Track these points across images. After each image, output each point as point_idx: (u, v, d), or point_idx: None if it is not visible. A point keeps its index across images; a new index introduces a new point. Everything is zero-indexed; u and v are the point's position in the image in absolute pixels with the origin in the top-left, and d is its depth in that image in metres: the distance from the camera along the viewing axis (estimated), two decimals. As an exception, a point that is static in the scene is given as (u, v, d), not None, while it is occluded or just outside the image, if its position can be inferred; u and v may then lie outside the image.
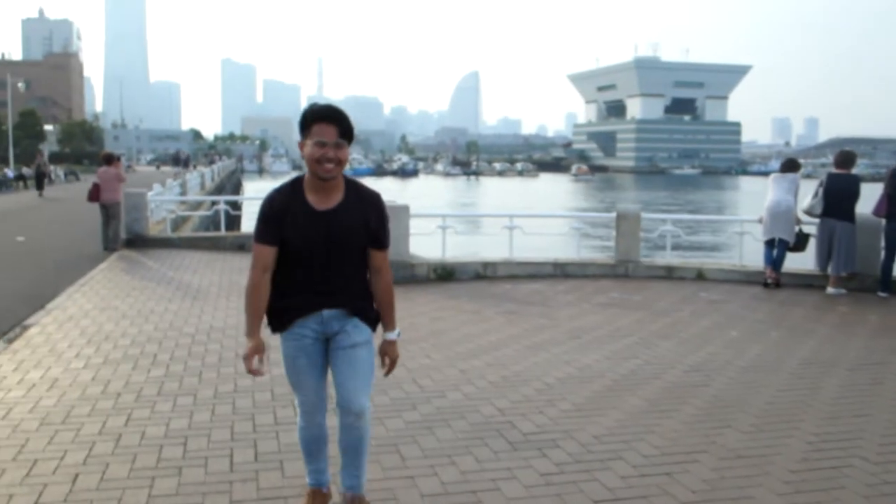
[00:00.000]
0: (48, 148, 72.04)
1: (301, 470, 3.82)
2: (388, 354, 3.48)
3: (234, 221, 19.80)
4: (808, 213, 10.33)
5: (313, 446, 3.58)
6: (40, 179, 33.94)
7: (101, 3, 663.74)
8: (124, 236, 14.52)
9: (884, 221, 9.98)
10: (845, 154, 10.54)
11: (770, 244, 10.56)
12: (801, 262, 10.99)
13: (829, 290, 10.03)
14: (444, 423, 4.96)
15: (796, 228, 10.46)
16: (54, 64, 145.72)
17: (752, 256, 11.72)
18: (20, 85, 63.71)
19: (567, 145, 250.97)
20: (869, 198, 10.24)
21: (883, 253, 10.02)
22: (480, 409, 5.24)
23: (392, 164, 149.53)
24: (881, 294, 9.83)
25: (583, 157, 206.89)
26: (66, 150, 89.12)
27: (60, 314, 8.34)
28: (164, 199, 18.54)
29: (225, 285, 10.30)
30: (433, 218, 12.99)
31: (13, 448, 4.46)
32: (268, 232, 3.25)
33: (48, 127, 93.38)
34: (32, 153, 43.08)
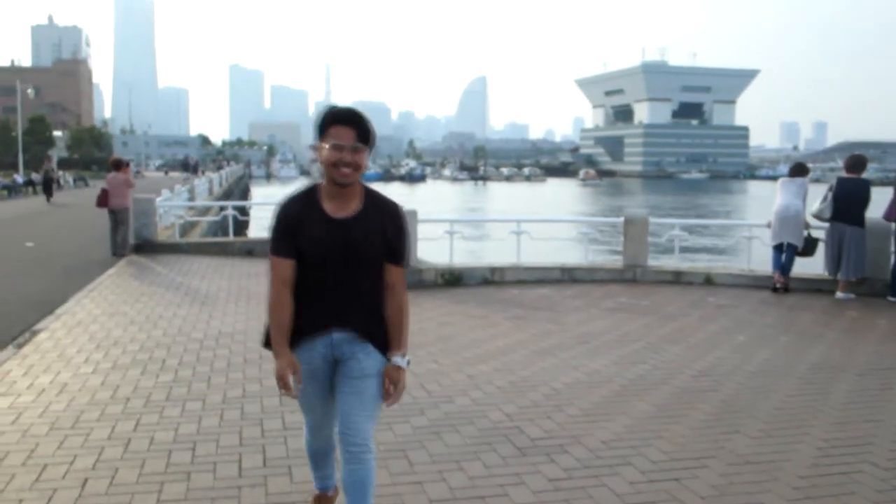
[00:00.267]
0: (57, 154, 72.46)
1: (309, 475, 3.82)
2: (395, 382, 3.15)
3: (242, 227, 19.87)
4: (818, 217, 10.29)
5: (320, 457, 3.52)
6: (48, 185, 33.78)
7: (109, 9, 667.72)
8: (133, 242, 14.58)
9: (894, 226, 9.94)
10: (856, 158, 10.49)
11: (778, 249, 10.53)
12: (810, 266, 10.96)
13: (839, 294, 9.99)
14: (452, 428, 4.95)
15: (805, 233, 10.43)
16: (63, 70, 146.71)
17: (761, 261, 11.69)
18: (29, 91, 64.02)
19: (575, 150, 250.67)
20: (879, 202, 10.20)
21: (893, 257, 9.98)
22: (488, 415, 5.23)
23: (400, 169, 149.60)
24: (891, 299, 9.78)
25: (590, 161, 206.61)
26: (75, 156, 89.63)
27: (69, 319, 8.38)
28: (173, 205, 18.60)
29: (233, 290, 10.32)
30: (441, 223, 13.00)
31: (23, 453, 4.48)
32: (283, 243, 3.07)
33: (57, 133, 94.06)
34: (42, 159, 43.28)
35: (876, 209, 10.18)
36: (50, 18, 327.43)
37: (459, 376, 6.16)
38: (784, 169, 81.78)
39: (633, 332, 7.92)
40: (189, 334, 7.67)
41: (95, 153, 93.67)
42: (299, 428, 4.47)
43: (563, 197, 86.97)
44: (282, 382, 3.10)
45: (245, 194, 59.58)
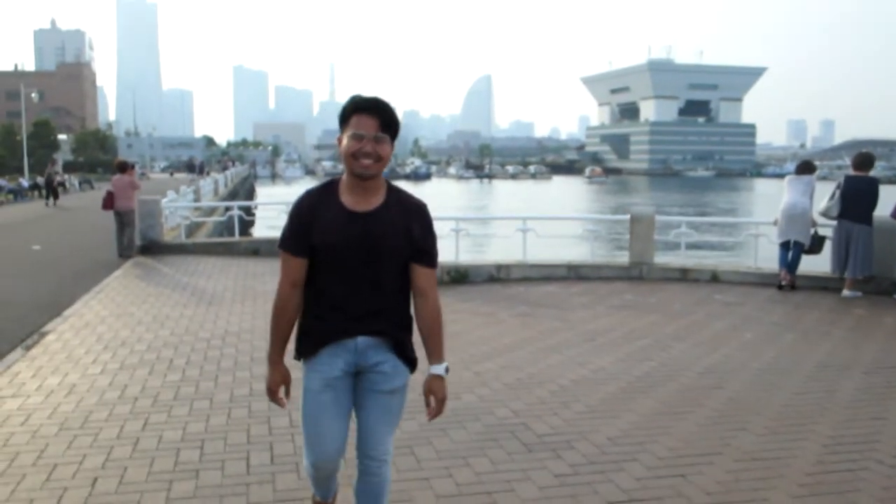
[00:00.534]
0: (62, 157, 72.60)
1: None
2: (435, 393, 2.94)
3: (247, 227, 19.92)
4: (825, 215, 10.25)
5: (323, 481, 3.18)
6: (50, 188, 33.27)
7: (112, 12, 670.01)
8: (139, 243, 14.64)
9: (901, 223, 9.90)
10: (863, 156, 10.46)
11: (785, 246, 10.51)
12: (817, 264, 10.93)
13: (845, 292, 9.96)
14: (458, 424, 4.97)
15: (811, 231, 10.41)
16: (67, 74, 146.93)
17: (767, 259, 11.67)
18: (34, 95, 64.30)
19: (580, 148, 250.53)
20: (886, 200, 10.17)
21: (899, 255, 9.94)
22: (495, 411, 5.25)
23: (405, 167, 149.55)
24: (897, 296, 9.76)
25: (596, 159, 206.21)
26: (79, 159, 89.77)
27: (77, 321, 8.42)
28: (178, 206, 18.66)
29: (239, 290, 10.36)
30: (446, 221, 13.01)
31: (33, 453, 4.51)
32: (293, 238, 2.85)
33: (62, 136, 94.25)
34: (47, 163, 43.31)
35: (883, 207, 10.14)
36: (53, 22, 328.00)
37: (466, 373, 6.18)
38: (791, 167, 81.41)
39: (640, 329, 7.93)
40: (196, 334, 7.71)
41: (100, 156, 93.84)
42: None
43: (568, 195, 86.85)
44: (271, 395, 3.00)
45: (250, 194, 59.72)
